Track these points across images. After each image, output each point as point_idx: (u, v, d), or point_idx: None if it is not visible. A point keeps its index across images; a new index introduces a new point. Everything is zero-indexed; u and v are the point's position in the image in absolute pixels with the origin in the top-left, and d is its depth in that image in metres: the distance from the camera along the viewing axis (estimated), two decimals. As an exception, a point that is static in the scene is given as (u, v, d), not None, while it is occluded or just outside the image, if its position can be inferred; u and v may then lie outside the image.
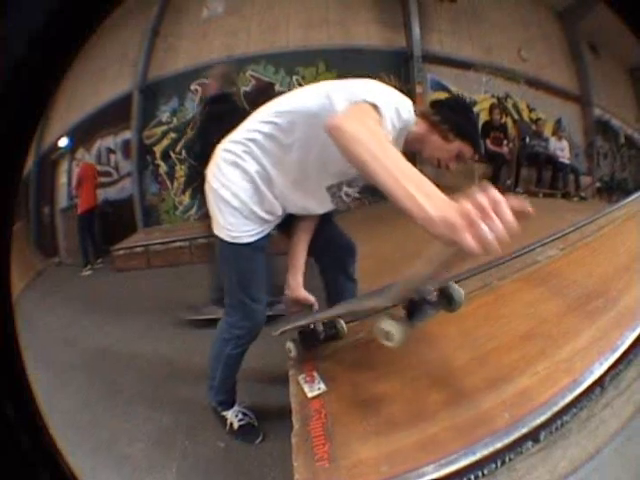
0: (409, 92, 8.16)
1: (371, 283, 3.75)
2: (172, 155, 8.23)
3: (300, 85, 8.19)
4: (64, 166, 8.19)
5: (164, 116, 8.35)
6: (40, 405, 1.30)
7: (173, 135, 8.29)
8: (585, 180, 8.63)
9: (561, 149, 8.50)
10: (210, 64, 8.05)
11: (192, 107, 8.30)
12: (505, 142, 8.45)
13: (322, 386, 2.40)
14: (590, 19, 8.91)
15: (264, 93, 8.19)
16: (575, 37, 9.27)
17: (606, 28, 8.54)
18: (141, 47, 8.07)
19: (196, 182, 7.91)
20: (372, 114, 2.09)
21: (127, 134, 8.31)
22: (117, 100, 7.99)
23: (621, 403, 2.45)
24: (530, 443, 1.93)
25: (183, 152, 8.24)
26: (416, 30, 8.35)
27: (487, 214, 1.33)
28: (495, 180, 8.27)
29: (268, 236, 2.79)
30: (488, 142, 8.27)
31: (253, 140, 2.58)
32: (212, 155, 2.74)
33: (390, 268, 3.64)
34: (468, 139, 2.53)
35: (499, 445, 1.85)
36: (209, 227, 2.82)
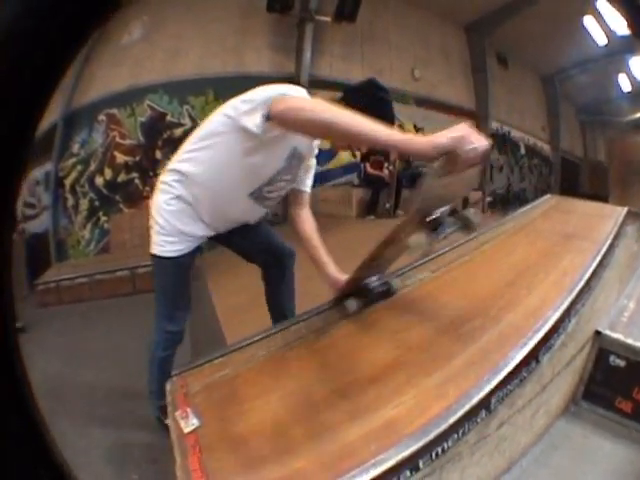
0: None
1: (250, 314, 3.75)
2: (77, 188, 8.04)
3: (190, 115, 8.39)
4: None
5: (75, 147, 8.18)
6: (40, 406, 1.26)
7: (79, 167, 8.13)
8: (474, 195, 8.68)
9: None
10: (115, 94, 7.99)
11: (97, 138, 8.14)
12: (386, 165, 8.52)
13: (195, 421, 2.35)
14: (503, 30, 9.14)
15: (157, 124, 8.17)
16: (481, 50, 9.49)
17: (519, 38, 8.81)
18: (73, 73, 7.79)
19: (95, 216, 7.80)
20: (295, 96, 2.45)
21: (49, 165, 8.10)
22: (47, 129, 7.74)
23: (524, 419, 2.49)
24: (408, 471, 1.87)
25: (86, 185, 8.05)
26: (307, 54, 8.43)
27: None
28: (374, 204, 8.35)
29: (192, 253, 3.12)
30: (368, 166, 8.34)
31: (177, 170, 2.93)
32: None
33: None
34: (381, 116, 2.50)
35: (367, 476, 1.77)
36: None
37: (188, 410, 2.42)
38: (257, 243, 3.44)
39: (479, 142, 1.93)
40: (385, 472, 1.80)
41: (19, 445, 1.19)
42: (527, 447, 2.58)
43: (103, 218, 8.08)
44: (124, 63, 8.20)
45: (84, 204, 8.10)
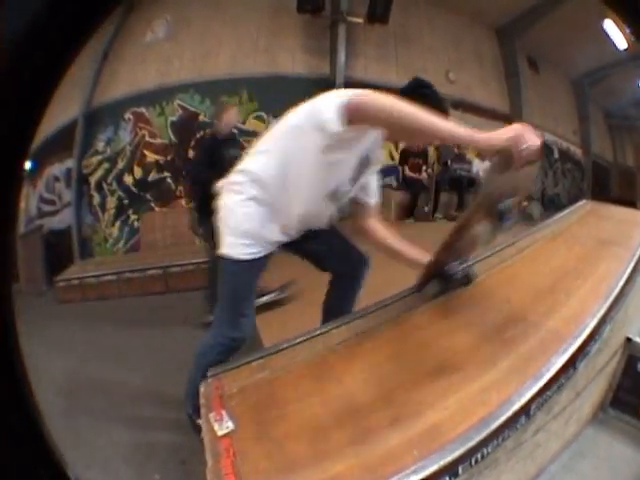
0: None
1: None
2: (104, 186, 8.05)
3: None
4: (23, 191, 7.96)
5: (100, 145, 8.19)
6: (40, 405, 1.28)
7: (106, 165, 8.14)
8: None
9: (486, 170, 8.45)
10: (142, 92, 8.00)
11: (124, 137, 8.17)
12: (424, 168, 8.49)
13: (230, 424, 2.32)
14: (532, 33, 9.08)
15: (189, 123, 8.16)
16: (512, 53, 9.44)
17: (548, 42, 8.75)
18: (92, 70, 7.87)
19: (125, 215, 7.81)
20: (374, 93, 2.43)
21: (70, 162, 8.12)
22: (66, 125, 7.74)
23: (558, 425, 2.49)
24: (447, 477, 1.85)
25: (114, 183, 8.07)
26: (341, 56, 8.40)
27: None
28: (413, 207, 8.30)
29: (265, 257, 3.05)
30: (407, 169, 8.30)
31: (250, 171, 2.90)
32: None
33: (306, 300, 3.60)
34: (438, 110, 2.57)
35: (409, 483, 1.75)
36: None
37: (223, 413, 2.39)
38: (335, 249, 3.37)
39: (532, 141, 2.17)
40: (425, 478, 1.78)
41: (19, 444, 1.20)
42: (557, 454, 2.56)
43: (133, 217, 8.09)
44: (150, 61, 8.24)
45: (112, 202, 8.12)
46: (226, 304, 3.14)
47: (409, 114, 2.25)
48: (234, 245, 2.94)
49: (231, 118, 5.61)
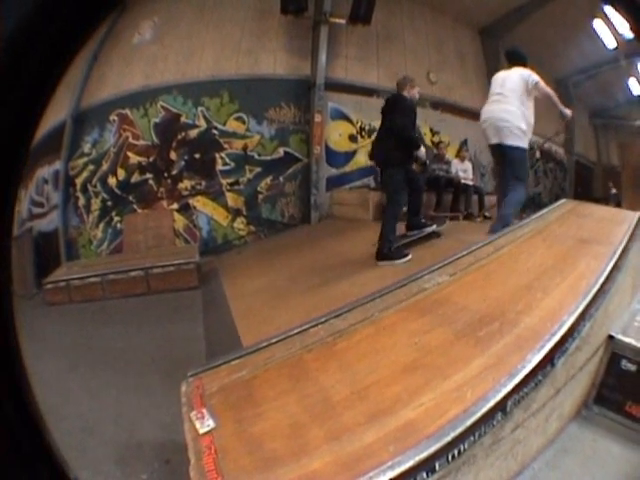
0: (307, 121, 8.32)
1: (265, 316, 3.71)
2: (89, 188, 8.02)
3: (204, 117, 8.32)
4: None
5: (86, 147, 8.15)
6: (40, 405, 1.28)
7: (91, 167, 8.08)
8: (490, 200, 8.62)
9: (464, 170, 8.68)
10: (126, 94, 7.99)
11: (109, 138, 8.14)
12: None
13: (211, 422, 2.35)
14: (516, 33, 9.11)
15: (171, 125, 8.15)
16: (495, 53, 9.46)
17: (533, 41, 8.79)
18: (82, 72, 7.78)
19: (108, 216, 7.79)
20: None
21: (57, 164, 8.05)
22: (55, 127, 7.63)
23: (538, 421, 2.50)
24: (424, 473, 1.88)
25: (98, 185, 8.03)
26: (322, 57, 8.40)
27: None
28: None
29: None
30: None
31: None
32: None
33: (284, 302, 3.61)
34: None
35: (384, 478, 1.78)
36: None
37: (204, 411, 2.41)
38: None
39: None
40: (402, 474, 1.80)
41: (19, 443, 1.20)
42: (539, 450, 2.58)
43: (116, 218, 8.04)
44: (136, 63, 8.22)
45: (96, 204, 8.07)
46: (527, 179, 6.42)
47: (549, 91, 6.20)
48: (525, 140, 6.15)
49: (416, 90, 6.66)
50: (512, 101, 6.18)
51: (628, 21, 1.76)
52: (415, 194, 6.44)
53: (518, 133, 6.01)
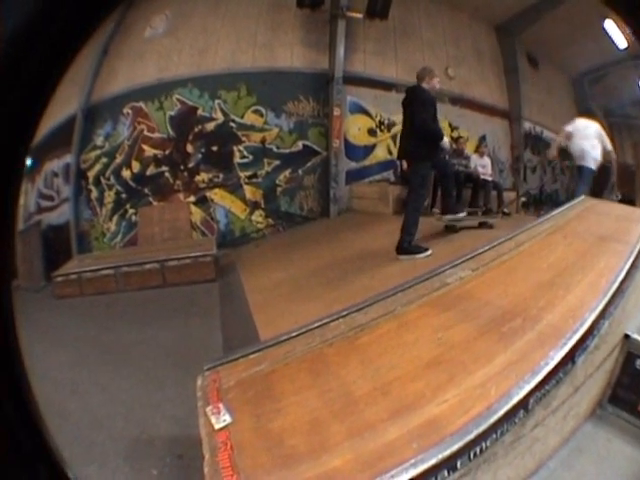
0: (326, 115, 8.36)
1: (283, 309, 3.68)
2: (102, 180, 8.02)
3: (222, 110, 8.35)
4: (22, 187, 7.90)
5: (99, 140, 8.18)
6: (40, 405, 1.26)
7: (104, 160, 8.10)
8: (509, 196, 8.75)
9: (483, 166, 8.63)
10: (140, 87, 7.99)
11: (123, 131, 8.13)
12: None
13: (228, 418, 2.31)
14: (532, 31, 9.09)
15: (187, 117, 8.15)
16: (511, 50, 9.45)
17: (549, 39, 8.77)
18: (91, 66, 7.84)
19: (122, 209, 7.79)
20: None
21: (68, 158, 8.09)
22: (64, 121, 7.68)
23: (557, 420, 2.46)
24: (446, 471, 1.84)
25: (112, 177, 8.04)
26: (340, 51, 8.39)
27: None
28: None
29: None
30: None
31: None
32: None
33: (305, 294, 3.58)
34: None
35: (406, 476, 1.74)
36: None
37: (220, 406, 2.38)
38: None
39: None
40: (424, 472, 1.77)
41: (19, 443, 1.19)
42: (555, 449, 2.55)
43: (131, 211, 8.05)
44: (149, 57, 8.24)
45: (110, 196, 8.08)
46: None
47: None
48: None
49: (435, 80, 6.55)
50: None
51: (629, 24, 1.72)
52: (445, 179, 6.71)
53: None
